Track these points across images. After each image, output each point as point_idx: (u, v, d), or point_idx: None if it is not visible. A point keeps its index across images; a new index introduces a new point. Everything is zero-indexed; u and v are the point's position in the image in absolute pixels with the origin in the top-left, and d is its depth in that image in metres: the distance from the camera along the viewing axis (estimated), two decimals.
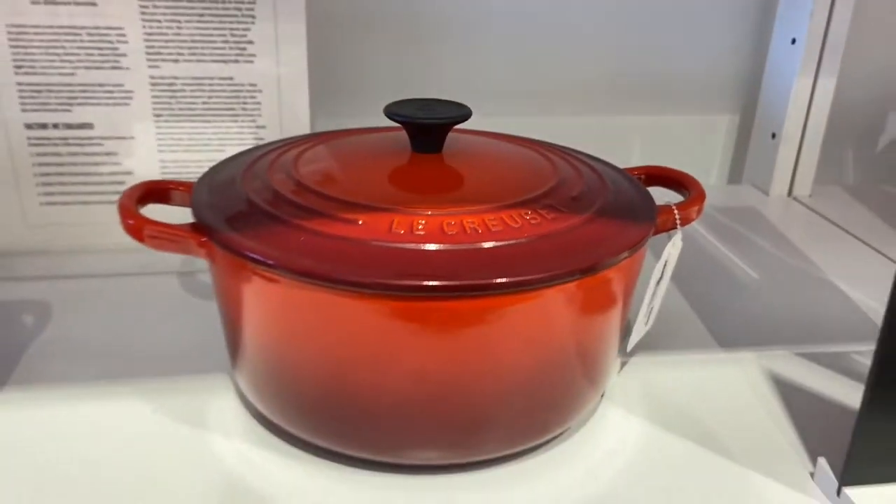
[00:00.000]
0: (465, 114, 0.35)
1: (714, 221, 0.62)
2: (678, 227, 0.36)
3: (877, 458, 0.31)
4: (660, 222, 0.36)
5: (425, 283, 0.27)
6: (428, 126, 0.34)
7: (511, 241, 0.30)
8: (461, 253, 0.29)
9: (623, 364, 0.41)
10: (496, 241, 0.29)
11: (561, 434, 0.35)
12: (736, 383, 0.40)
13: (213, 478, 0.32)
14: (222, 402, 0.37)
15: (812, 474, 0.34)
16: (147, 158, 0.49)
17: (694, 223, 0.62)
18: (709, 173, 0.74)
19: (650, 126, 0.70)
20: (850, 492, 0.31)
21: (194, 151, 0.50)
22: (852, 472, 0.31)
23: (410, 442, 0.32)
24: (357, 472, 0.33)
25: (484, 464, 0.33)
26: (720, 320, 0.46)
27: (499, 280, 0.28)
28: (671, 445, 0.35)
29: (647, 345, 0.42)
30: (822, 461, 0.33)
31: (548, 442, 0.35)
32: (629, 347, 0.39)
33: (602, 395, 0.38)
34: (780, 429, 0.37)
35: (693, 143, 0.72)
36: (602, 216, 0.33)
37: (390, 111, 0.34)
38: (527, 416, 0.32)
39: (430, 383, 0.30)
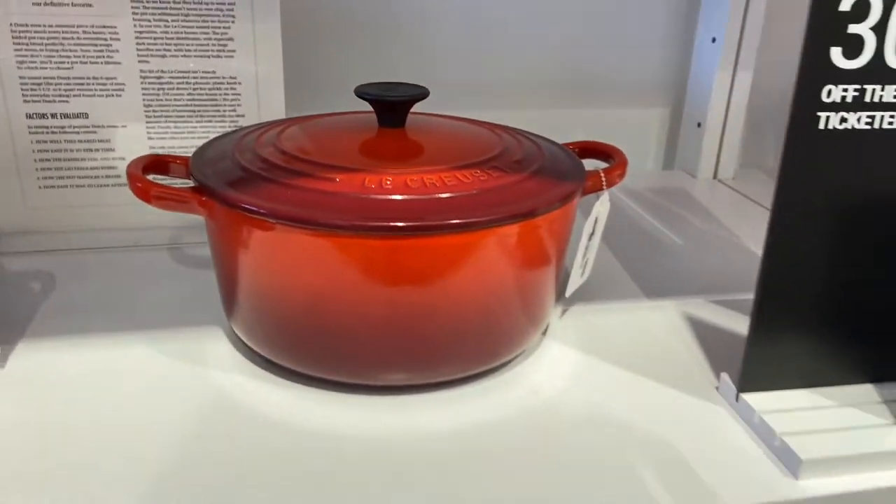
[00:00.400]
0: (423, 93, 0.41)
1: (648, 201, 0.69)
2: (604, 188, 0.43)
3: (764, 371, 0.38)
4: (589, 185, 0.43)
5: (392, 224, 0.34)
6: (392, 102, 0.41)
7: (463, 193, 0.36)
8: (422, 201, 0.35)
9: (564, 311, 0.48)
10: (451, 192, 0.36)
11: (508, 362, 0.42)
12: (658, 325, 0.47)
13: (214, 402, 0.38)
14: (217, 346, 0.42)
15: (717, 387, 0.41)
16: (137, 145, 0.55)
17: (630, 202, 0.70)
18: (645, 160, 0.81)
19: (592, 119, 0.77)
20: (746, 396, 0.38)
21: (180, 139, 0.55)
22: (746, 382, 0.38)
23: (380, 366, 0.38)
24: (334, 393, 0.39)
25: (443, 385, 0.39)
26: (648, 277, 0.53)
27: (453, 221, 0.34)
28: (602, 370, 0.42)
29: (584, 296, 0.49)
30: (724, 375, 0.40)
31: (497, 368, 0.41)
32: (568, 293, 0.45)
33: (545, 334, 0.45)
34: (694, 357, 0.44)
35: (631, 134, 0.80)
36: (539, 175, 0.39)
37: (361, 91, 0.41)
38: (479, 343, 0.39)
39: (398, 313, 0.36)
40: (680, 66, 0.77)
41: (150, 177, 0.40)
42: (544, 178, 0.39)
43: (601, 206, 0.44)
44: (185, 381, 0.39)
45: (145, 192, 0.38)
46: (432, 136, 0.43)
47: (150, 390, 0.38)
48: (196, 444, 0.35)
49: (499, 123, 0.48)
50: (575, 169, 0.42)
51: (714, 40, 0.71)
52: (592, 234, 0.45)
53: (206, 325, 0.44)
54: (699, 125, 0.75)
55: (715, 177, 0.76)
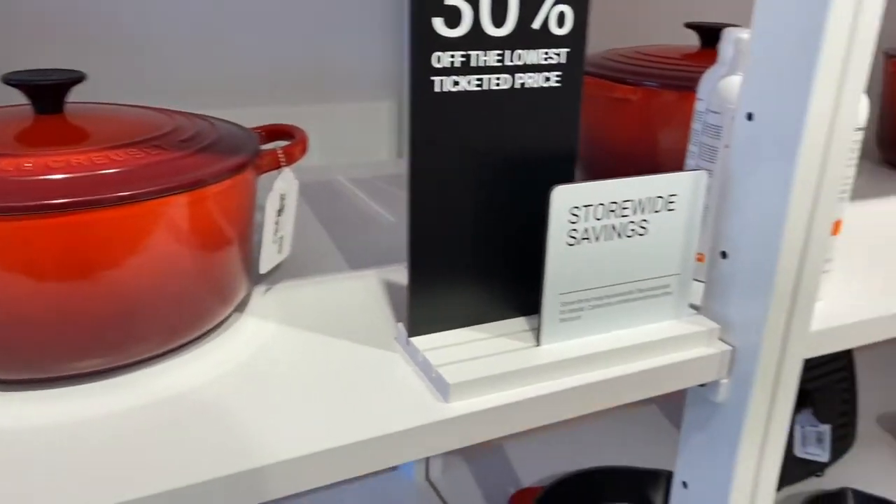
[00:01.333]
0: (78, 76, 0.41)
1: (374, 187, 0.73)
2: (282, 164, 0.46)
3: (428, 316, 0.42)
4: (269, 162, 0.45)
5: (17, 204, 0.33)
6: (43, 87, 0.40)
7: (112, 171, 0.36)
8: (59, 181, 0.35)
9: (268, 288, 0.50)
10: (97, 170, 0.36)
11: (199, 339, 0.43)
12: (358, 291, 0.50)
13: None
14: None
15: (396, 337, 0.44)
16: None
17: (356, 189, 0.73)
18: (380, 150, 0.86)
19: (325, 114, 0.80)
20: (414, 340, 0.42)
21: None
22: (414, 328, 0.42)
23: (57, 356, 0.37)
24: (15, 392, 0.37)
25: (134, 365, 0.39)
26: (356, 252, 0.57)
27: (79, 199, 0.34)
28: (299, 336, 0.44)
29: (291, 272, 0.51)
30: (399, 325, 0.44)
31: (189, 343, 0.42)
32: (263, 269, 0.47)
33: (243, 311, 0.46)
34: (385, 315, 0.47)
35: (364, 126, 0.84)
36: (206, 152, 0.41)
37: (7, 77, 0.39)
38: (160, 322, 0.39)
39: (60, 296, 0.35)
40: (398, 59, 0.82)
41: None
42: (212, 154, 0.41)
43: (283, 182, 0.46)
44: None
45: None
46: (94, 121, 0.42)
47: None
48: None
49: (182, 110, 0.49)
50: (247, 145, 0.44)
51: None
52: (282, 210, 0.47)
53: None
54: None
55: None
